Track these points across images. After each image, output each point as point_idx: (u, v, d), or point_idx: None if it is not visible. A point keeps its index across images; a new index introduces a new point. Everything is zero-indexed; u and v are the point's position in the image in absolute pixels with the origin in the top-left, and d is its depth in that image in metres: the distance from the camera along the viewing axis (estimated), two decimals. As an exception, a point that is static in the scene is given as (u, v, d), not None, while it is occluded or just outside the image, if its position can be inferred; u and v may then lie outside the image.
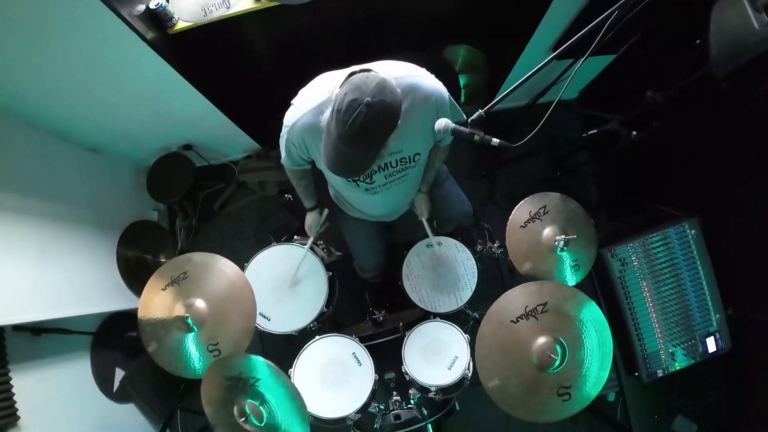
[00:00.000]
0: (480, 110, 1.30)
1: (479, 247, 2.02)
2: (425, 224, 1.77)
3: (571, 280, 1.59)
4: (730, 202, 1.92)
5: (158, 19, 1.62)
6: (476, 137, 1.27)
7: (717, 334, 1.81)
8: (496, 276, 2.46)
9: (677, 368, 1.79)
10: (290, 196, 2.41)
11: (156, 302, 1.56)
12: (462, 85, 2.36)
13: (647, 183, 2.27)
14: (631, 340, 1.78)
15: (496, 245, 2.01)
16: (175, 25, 1.65)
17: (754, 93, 1.55)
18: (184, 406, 2.17)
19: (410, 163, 1.42)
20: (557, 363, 1.32)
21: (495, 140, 1.28)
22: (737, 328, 1.86)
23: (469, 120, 1.29)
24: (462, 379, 1.64)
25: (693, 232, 1.80)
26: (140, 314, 1.54)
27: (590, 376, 1.35)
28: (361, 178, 1.40)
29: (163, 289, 1.57)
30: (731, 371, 1.93)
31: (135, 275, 2.16)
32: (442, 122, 1.23)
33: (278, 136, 1.41)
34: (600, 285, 1.84)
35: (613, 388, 2.37)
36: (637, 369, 1.78)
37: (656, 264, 1.79)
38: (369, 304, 2.32)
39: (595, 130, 2.11)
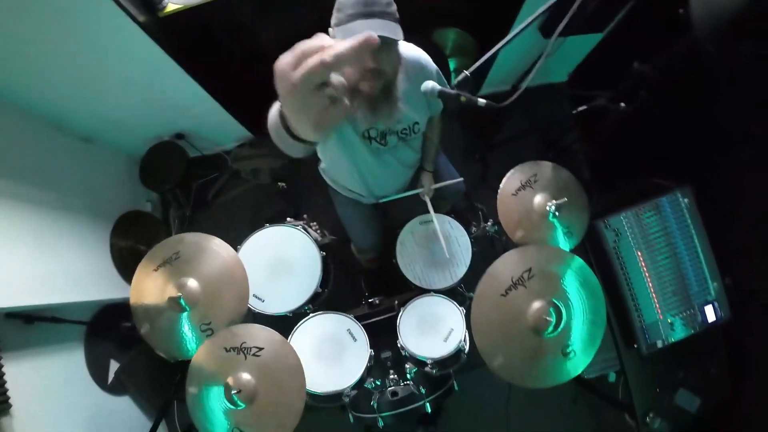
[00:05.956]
0: (465, 72, 1.32)
1: (474, 229, 2.02)
2: (428, 204, 1.77)
3: (565, 246, 1.58)
4: (722, 172, 1.92)
5: (149, 1, 1.62)
6: (462, 98, 1.28)
7: (715, 303, 1.79)
8: (492, 256, 2.44)
9: (677, 338, 1.76)
10: (283, 184, 2.41)
11: (148, 283, 1.55)
12: (452, 69, 2.37)
13: (638, 157, 2.27)
14: (629, 311, 1.75)
15: (489, 223, 2.01)
16: (165, 7, 1.66)
17: (739, 54, 1.55)
18: (180, 397, 2.13)
19: (411, 134, 1.47)
20: (553, 324, 1.31)
21: (481, 100, 1.29)
22: (736, 298, 1.84)
23: (456, 82, 1.31)
24: (458, 352, 1.62)
25: (686, 200, 1.79)
26: (132, 295, 1.53)
27: (589, 327, 1.37)
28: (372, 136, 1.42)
29: (155, 270, 1.55)
30: (731, 343, 1.91)
31: (129, 265, 2.15)
32: (429, 84, 1.25)
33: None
34: (595, 257, 1.82)
35: (612, 368, 2.35)
36: (635, 341, 1.76)
37: (650, 233, 1.77)
38: (365, 290, 2.32)
39: (585, 106, 2.13)
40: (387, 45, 1.16)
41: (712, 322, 1.78)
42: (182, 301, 1.49)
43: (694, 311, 1.78)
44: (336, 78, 0.52)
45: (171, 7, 1.66)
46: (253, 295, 1.72)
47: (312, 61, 0.48)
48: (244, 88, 2.16)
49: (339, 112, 0.54)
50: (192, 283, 1.53)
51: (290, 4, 1.84)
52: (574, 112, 2.19)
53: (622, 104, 1.95)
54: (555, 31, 1.61)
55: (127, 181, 2.36)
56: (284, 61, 0.50)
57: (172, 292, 1.50)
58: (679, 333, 1.77)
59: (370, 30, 1.11)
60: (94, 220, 2.11)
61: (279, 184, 2.41)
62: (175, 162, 2.28)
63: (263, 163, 2.35)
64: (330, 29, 1.20)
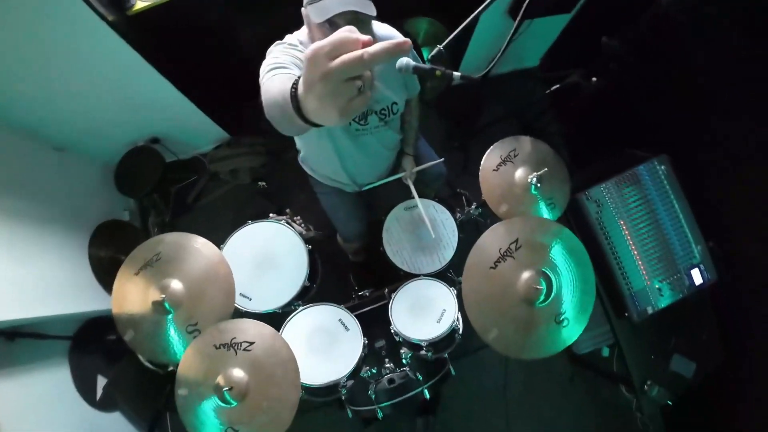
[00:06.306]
0: (439, 46, 1.32)
1: (458, 215, 2.02)
2: (411, 187, 1.77)
3: (549, 217, 1.59)
4: (698, 138, 1.96)
5: (118, 0, 1.61)
6: (438, 72, 1.27)
7: (701, 266, 1.81)
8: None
9: (666, 303, 1.78)
10: (264, 183, 2.37)
11: (129, 288, 1.50)
12: (426, 58, 2.38)
13: (614, 131, 2.30)
14: (617, 280, 1.77)
15: (473, 206, 2.01)
16: (134, 5, 1.64)
17: (705, 17, 1.59)
18: (172, 407, 2.07)
19: (390, 114, 1.46)
20: (544, 292, 1.31)
21: (457, 74, 1.29)
22: (721, 262, 1.87)
23: (429, 56, 1.31)
24: (452, 333, 1.61)
25: (663, 167, 1.83)
26: (114, 302, 1.49)
27: (579, 294, 1.36)
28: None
29: (135, 274, 1.51)
30: (721, 305, 1.94)
31: (109, 276, 2.06)
32: (403, 60, 1.24)
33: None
34: (579, 230, 1.83)
35: (605, 342, 2.37)
36: (626, 309, 1.77)
37: (631, 202, 1.80)
38: (354, 283, 2.30)
39: (558, 85, 2.16)
40: (361, 22, 1.15)
41: (700, 285, 1.81)
42: (166, 304, 1.45)
43: (681, 275, 1.80)
44: (367, 72, 0.56)
45: (140, 4, 1.64)
46: (240, 293, 1.68)
47: (352, 56, 0.52)
48: (219, 87, 2.14)
49: (364, 101, 0.59)
50: (175, 284, 1.49)
51: (260, 1, 1.83)
52: (547, 92, 2.22)
53: (594, 79, 1.98)
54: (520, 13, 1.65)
55: (103, 189, 2.30)
56: (320, 48, 0.54)
57: (155, 295, 1.46)
58: (668, 298, 1.79)
59: (344, 6, 1.10)
60: (72, 231, 2.05)
61: (259, 183, 2.37)
62: (151, 167, 2.22)
63: (242, 162, 2.31)
64: (303, 8, 1.19)
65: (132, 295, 1.50)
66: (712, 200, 1.91)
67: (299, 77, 0.66)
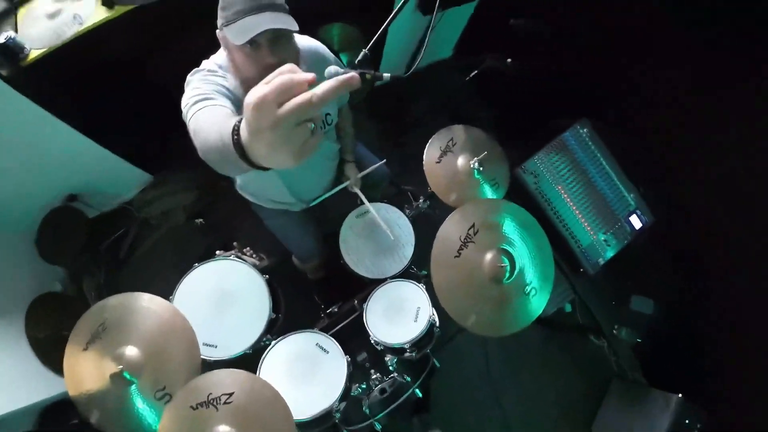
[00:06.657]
0: (364, 50, 1.32)
1: (407, 211, 2.03)
2: (359, 194, 1.75)
3: (495, 197, 1.65)
4: (611, 95, 2.11)
5: (10, 52, 1.47)
6: (368, 75, 1.28)
7: (638, 211, 1.97)
8: (432, 231, 2.48)
9: (614, 252, 1.92)
10: (201, 220, 2.23)
11: (82, 366, 1.36)
12: (345, 64, 2.38)
13: (538, 105, 2.41)
14: (566, 240, 1.88)
15: (421, 200, 2.03)
16: (28, 54, 1.50)
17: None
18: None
19: (325, 126, 1.44)
20: (508, 269, 1.35)
21: (386, 75, 1.30)
22: (656, 204, 2.03)
23: (357, 61, 1.31)
24: (431, 327, 1.62)
25: (585, 130, 1.96)
26: (68, 385, 1.34)
27: (539, 262, 1.43)
28: None
29: (84, 350, 1.37)
30: (665, 244, 2.10)
31: (56, 355, 1.86)
32: (332, 69, 1.22)
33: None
34: (523, 203, 1.91)
35: (566, 299, 2.50)
36: (580, 265, 1.89)
37: (562, 167, 1.92)
38: (320, 302, 2.24)
39: (476, 71, 2.24)
40: (285, 38, 1.12)
41: (640, 229, 1.96)
42: (126, 374, 1.33)
43: (622, 224, 1.94)
44: (317, 114, 0.55)
45: (34, 53, 1.50)
46: (203, 343, 1.57)
47: (300, 100, 0.50)
48: (133, 126, 1.99)
49: (318, 140, 0.57)
50: (130, 350, 1.36)
51: (157, 20, 1.71)
52: (467, 78, 2.29)
53: (509, 60, 2.07)
54: (435, 6, 1.68)
55: (27, 263, 2.05)
56: (264, 95, 0.51)
57: (111, 367, 1.32)
58: (615, 247, 1.93)
59: (265, 25, 1.06)
60: (3, 317, 1.82)
61: (196, 220, 2.23)
62: (73, 228, 2.01)
63: (173, 202, 2.15)
64: (218, 31, 1.13)
65: (87, 373, 1.35)
66: (636, 154, 2.06)
67: (239, 121, 0.62)
